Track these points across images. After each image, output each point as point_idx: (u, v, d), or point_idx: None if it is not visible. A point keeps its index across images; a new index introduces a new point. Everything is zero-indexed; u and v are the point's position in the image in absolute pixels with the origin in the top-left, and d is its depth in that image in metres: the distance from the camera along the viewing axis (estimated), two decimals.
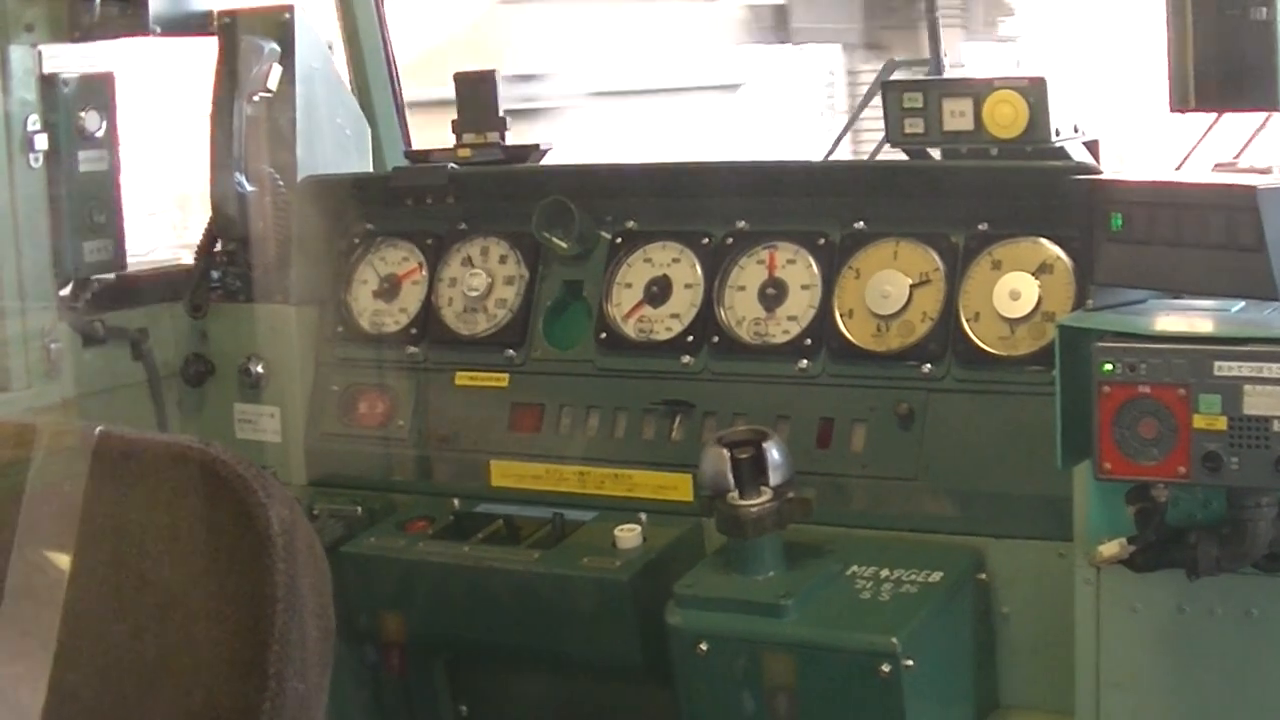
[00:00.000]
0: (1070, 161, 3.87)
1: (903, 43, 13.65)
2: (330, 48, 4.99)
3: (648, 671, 3.92)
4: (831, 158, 4.58)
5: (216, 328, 4.78)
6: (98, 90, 4.66)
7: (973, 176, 3.99)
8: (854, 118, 4.62)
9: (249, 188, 4.61)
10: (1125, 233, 3.40)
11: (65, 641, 2.22)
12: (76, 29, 4.51)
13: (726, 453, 3.71)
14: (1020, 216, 3.93)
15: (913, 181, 4.12)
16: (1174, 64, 3.29)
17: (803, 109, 15.27)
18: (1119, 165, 4.08)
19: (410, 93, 5.38)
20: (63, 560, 2.26)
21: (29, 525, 2.29)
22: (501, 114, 4.62)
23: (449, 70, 4.63)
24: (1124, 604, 3.46)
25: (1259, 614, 3.36)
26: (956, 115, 3.94)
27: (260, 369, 4.70)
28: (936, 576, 3.72)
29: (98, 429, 2.35)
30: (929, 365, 3.95)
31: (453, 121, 4.65)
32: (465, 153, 4.60)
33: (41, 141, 4.48)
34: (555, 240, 4.38)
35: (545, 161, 4.66)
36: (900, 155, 4.13)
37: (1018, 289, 3.89)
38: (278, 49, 4.63)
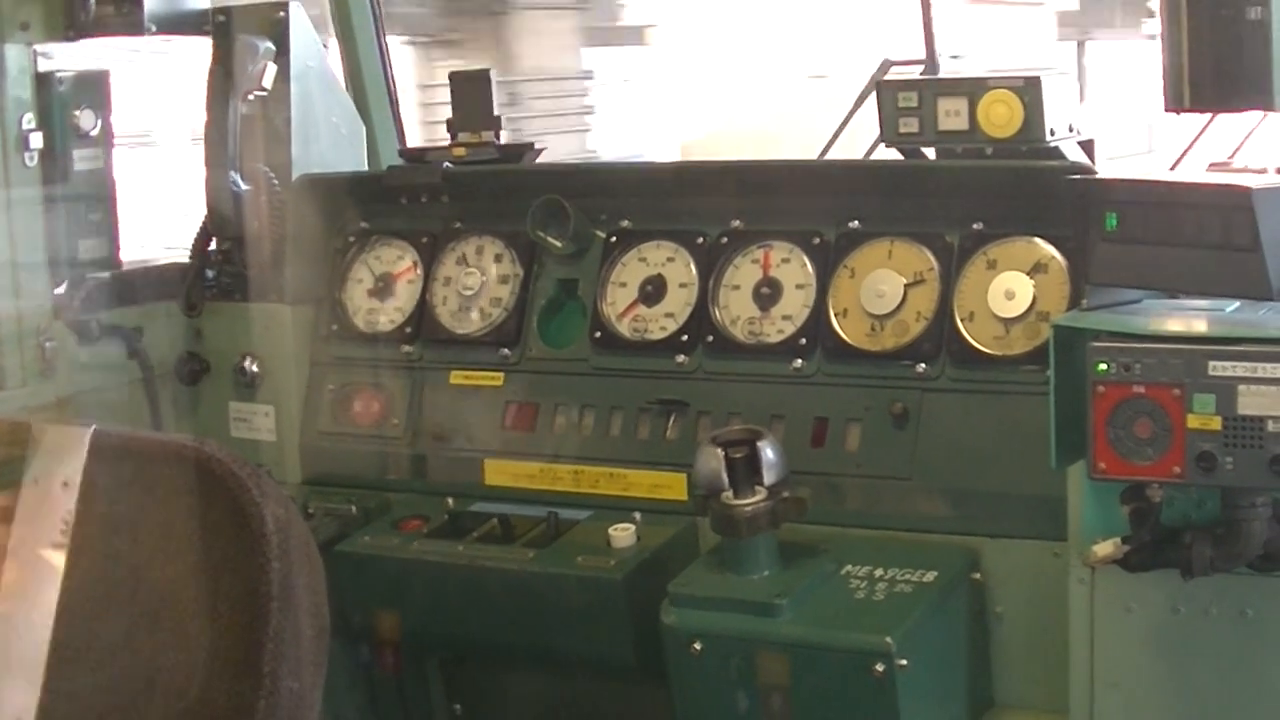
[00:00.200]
0: (1065, 161, 3.88)
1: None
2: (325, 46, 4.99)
3: (642, 671, 3.92)
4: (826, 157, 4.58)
5: (211, 326, 4.78)
6: (93, 89, 4.67)
7: (967, 176, 3.99)
8: (849, 116, 4.62)
9: (244, 186, 4.62)
10: (1120, 232, 3.40)
11: (60, 639, 2.22)
12: (72, 27, 4.51)
13: (721, 452, 3.71)
14: (1015, 216, 3.94)
15: (907, 181, 4.12)
16: (1169, 64, 3.29)
17: None
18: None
19: None
20: (58, 558, 2.26)
21: (24, 523, 2.29)
22: (496, 113, 4.63)
23: None
24: (1118, 604, 3.47)
25: (1253, 614, 3.36)
26: (951, 115, 3.95)
27: (255, 367, 4.70)
28: (931, 576, 3.72)
29: (92, 427, 2.35)
30: (924, 365, 3.95)
31: (447, 120, 4.65)
32: (460, 152, 4.61)
33: (37, 140, 4.49)
34: (550, 239, 4.38)
35: (539, 161, 4.66)
36: (895, 155, 4.14)
37: (1012, 289, 3.89)
38: (272, 47, 4.63)
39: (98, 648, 2.24)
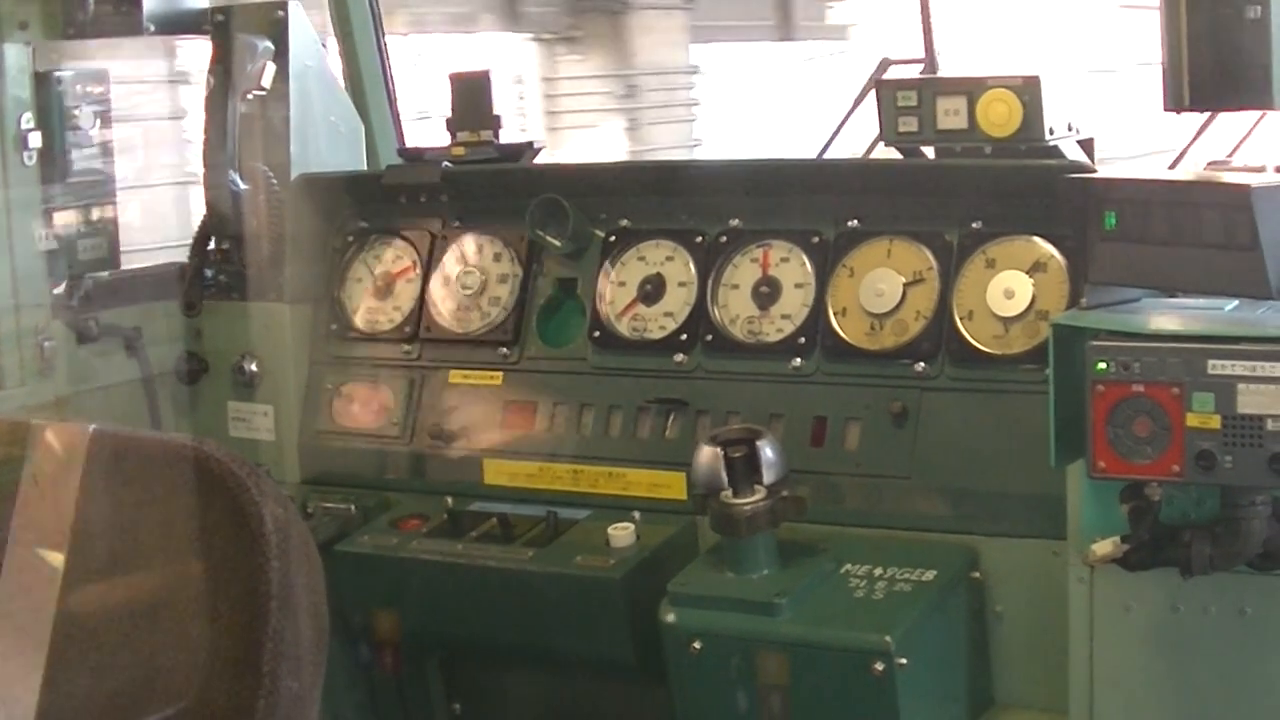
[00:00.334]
0: (1064, 160, 3.88)
1: None
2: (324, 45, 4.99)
3: (641, 670, 3.92)
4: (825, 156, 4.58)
5: (210, 326, 4.78)
6: (92, 88, 4.66)
7: (966, 175, 3.99)
8: (848, 115, 4.62)
9: (243, 186, 4.62)
10: (1119, 231, 3.40)
11: (60, 639, 2.22)
12: (71, 27, 4.51)
13: (720, 451, 3.71)
14: (1014, 215, 3.93)
15: (907, 180, 4.12)
16: (1169, 63, 3.29)
17: None
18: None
19: None
20: (57, 559, 2.26)
21: (23, 524, 2.28)
22: (495, 112, 4.63)
23: None
24: (1117, 603, 3.47)
25: (1252, 612, 3.36)
26: (950, 114, 3.95)
27: (254, 367, 4.70)
28: (930, 575, 3.72)
29: (91, 427, 2.35)
30: (923, 364, 3.95)
31: (446, 120, 4.65)
32: (459, 151, 4.61)
33: (36, 139, 4.48)
34: (549, 238, 4.38)
35: (538, 160, 4.66)
36: (894, 154, 4.13)
37: (1011, 287, 3.89)
38: (271, 47, 4.63)
39: (97, 648, 2.24)
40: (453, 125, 4.64)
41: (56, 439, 2.39)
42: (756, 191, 4.28)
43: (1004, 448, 3.81)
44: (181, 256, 4.81)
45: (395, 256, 4.66)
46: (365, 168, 5.06)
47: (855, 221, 4.13)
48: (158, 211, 7.17)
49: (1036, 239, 3.91)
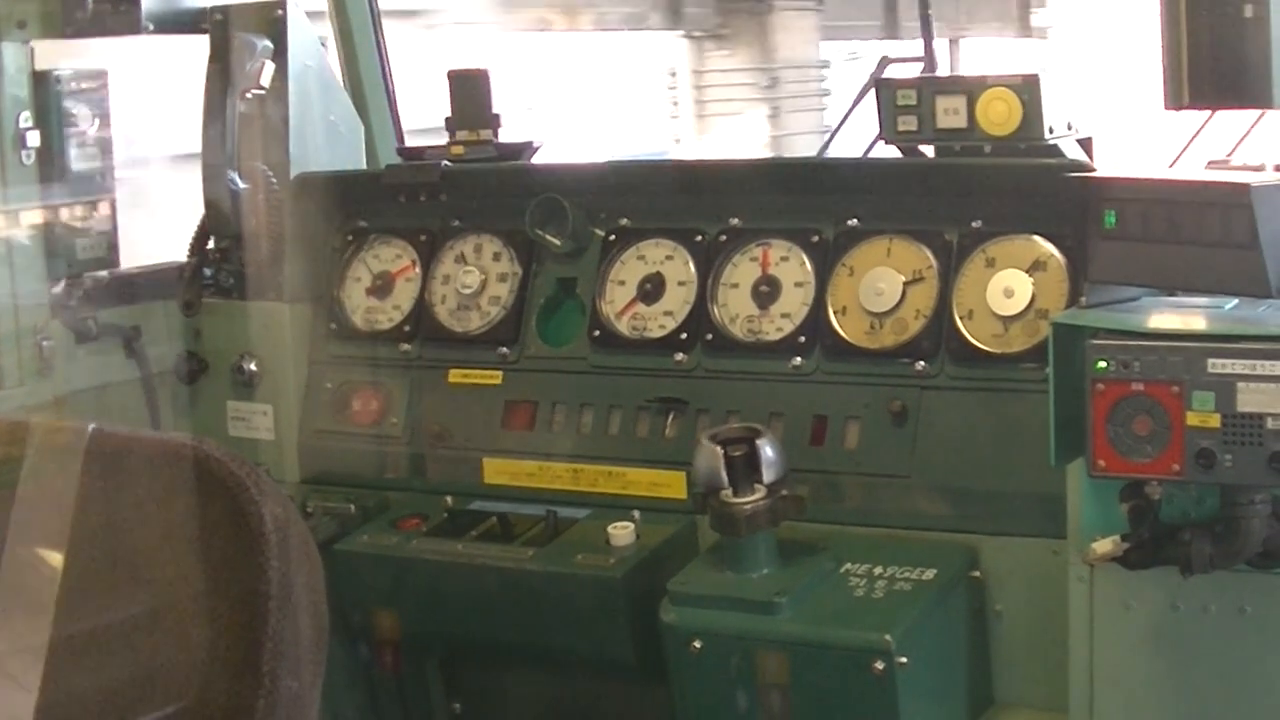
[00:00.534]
0: (1064, 159, 3.88)
1: None
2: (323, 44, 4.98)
3: (641, 669, 3.92)
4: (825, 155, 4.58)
5: (209, 325, 4.78)
6: (91, 87, 4.66)
7: (966, 174, 3.99)
8: (848, 114, 4.62)
9: (242, 185, 4.62)
10: (1119, 230, 3.40)
11: (59, 639, 2.22)
12: (70, 26, 4.51)
13: (720, 450, 3.70)
14: (1014, 214, 3.93)
15: (906, 179, 4.12)
16: (1168, 62, 3.29)
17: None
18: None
19: None
20: (56, 558, 2.25)
21: (22, 523, 2.28)
22: (494, 111, 4.63)
23: None
24: (1117, 601, 3.47)
25: (1252, 611, 3.36)
26: (950, 113, 3.95)
27: (253, 366, 4.69)
28: (930, 574, 3.72)
29: (90, 427, 2.35)
30: (922, 363, 3.95)
31: (445, 119, 4.65)
32: (458, 150, 4.61)
33: (34, 138, 4.48)
34: (548, 237, 4.38)
35: (537, 159, 4.66)
36: (894, 153, 4.13)
37: (1011, 286, 3.89)
38: (270, 46, 4.63)
39: (95, 647, 2.24)
40: (452, 124, 4.64)
41: (55, 439, 2.39)
42: (756, 190, 4.28)
43: (1004, 447, 3.81)
44: None
45: (394, 256, 4.66)
46: (365, 167, 5.06)
47: (855, 220, 4.12)
48: None
49: (1036, 238, 3.91)
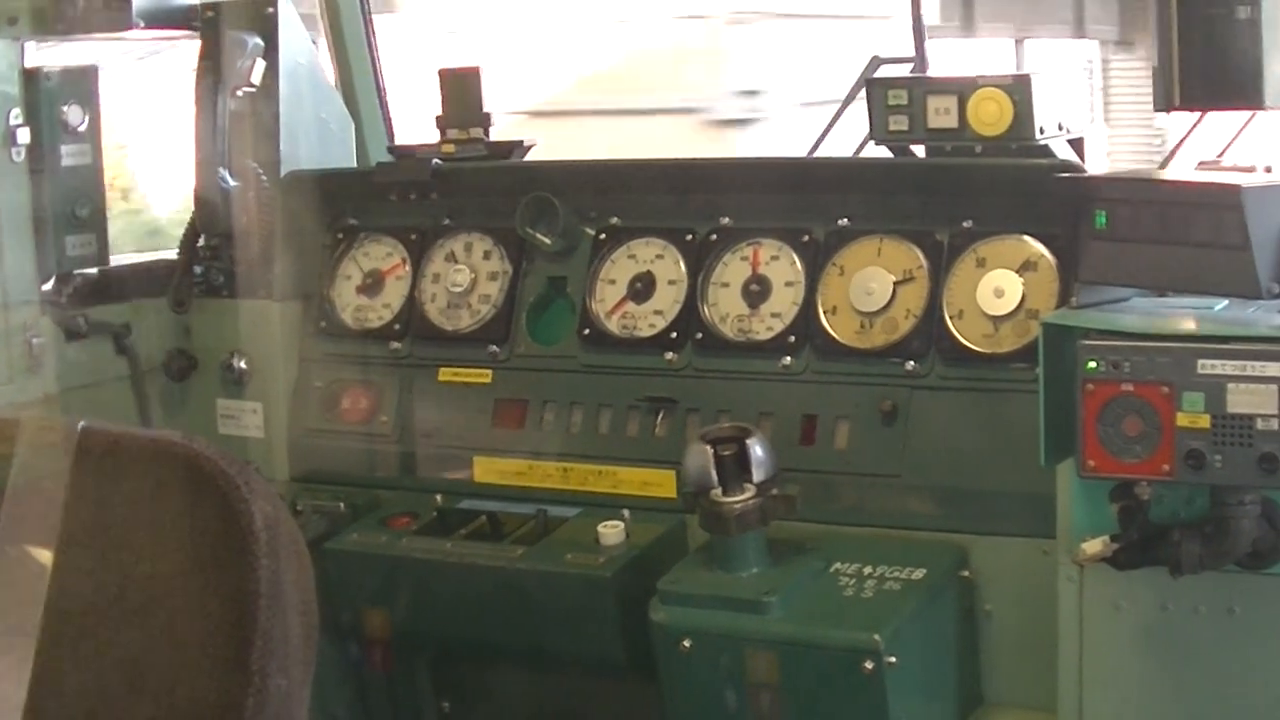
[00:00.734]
0: (1054, 159, 3.88)
1: None
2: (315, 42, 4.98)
3: (631, 668, 3.92)
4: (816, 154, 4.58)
5: (200, 323, 4.78)
6: (80, 84, 4.66)
7: (957, 174, 3.99)
8: (838, 114, 4.61)
9: (232, 183, 4.60)
10: (1110, 230, 3.41)
11: (48, 637, 2.21)
12: (60, 23, 4.50)
13: (710, 449, 3.71)
14: (1004, 214, 3.93)
15: (897, 179, 4.12)
16: (1159, 62, 3.30)
17: None
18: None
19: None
20: (45, 556, 2.25)
21: (10, 521, 2.28)
22: (485, 110, 4.62)
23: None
24: (1107, 602, 3.47)
25: (1241, 612, 3.37)
26: (941, 113, 3.95)
27: (243, 364, 4.69)
28: (920, 574, 3.72)
29: (80, 424, 2.34)
30: (913, 362, 3.95)
31: (436, 117, 4.65)
32: (449, 148, 4.60)
33: (24, 135, 4.47)
34: (539, 236, 4.38)
35: (528, 158, 4.66)
36: (884, 152, 4.13)
37: (1002, 286, 3.89)
38: (261, 43, 4.62)
39: (85, 645, 2.24)
40: (443, 123, 4.63)
41: (45, 436, 2.39)
42: (747, 190, 4.28)
43: (994, 447, 3.81)
44: None
45: (385, 254, 4.66)
46: (355, 165, 5.05)
47: (845, 220, 4.12)
48: None
49: (1027, 238, 3.91)
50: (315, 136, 4.82)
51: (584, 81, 11.91)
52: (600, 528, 3.99)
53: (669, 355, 4.22)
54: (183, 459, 2.22)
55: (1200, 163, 3.81)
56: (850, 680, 3.50)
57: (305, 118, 4.77)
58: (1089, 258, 3.46)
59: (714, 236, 4.26)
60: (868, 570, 3.75)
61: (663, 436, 4.18)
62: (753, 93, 12.06)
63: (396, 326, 4.57)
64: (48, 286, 4.60)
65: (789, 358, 4.09)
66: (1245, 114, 3.75)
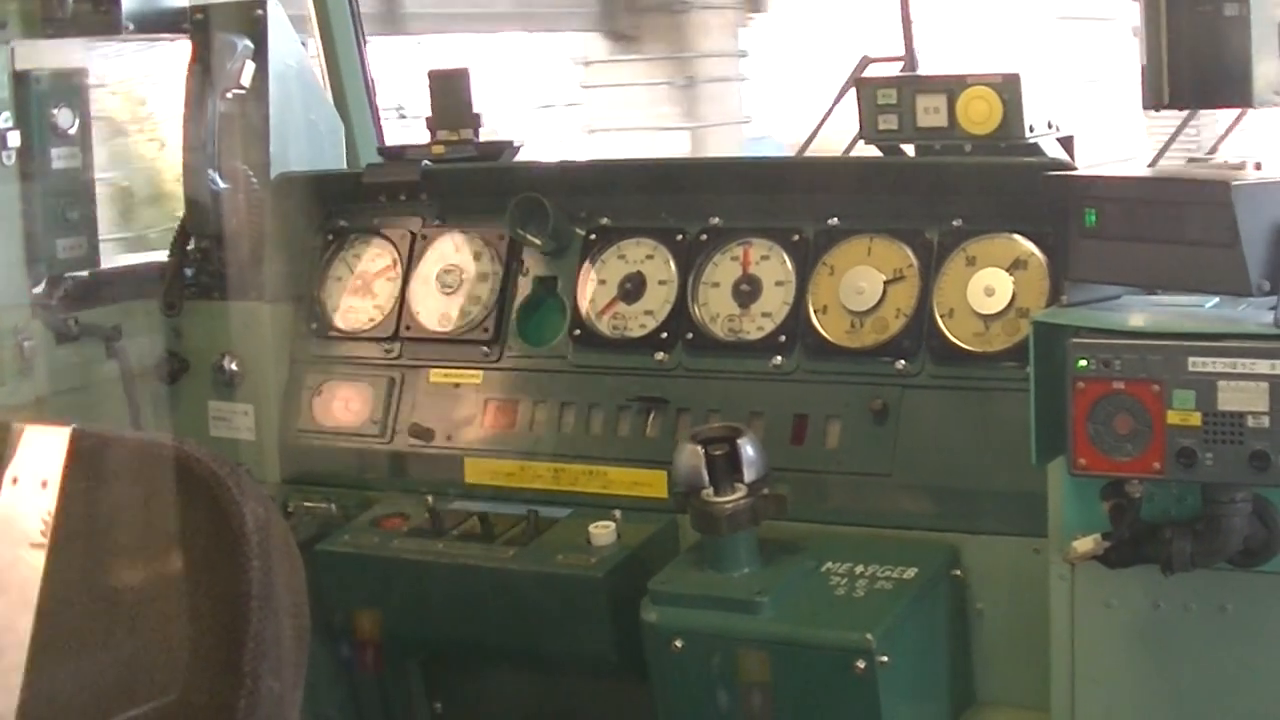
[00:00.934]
0: (1044, 158, 3.88)
1: None
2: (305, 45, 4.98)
3: (623, 668, 3.92)
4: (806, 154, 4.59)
5: (190, 325, 4.77)
6: (70, 87, 4.65)
7: (947, 173, 3.99)
8: (828, 113, 4.62)
9: (223, 185, 4.60)
10: (1099, 229, 3.41)
11: (40, 639, 2.21)
12: (50, 26, 4.49)
13: (701, 449, 3.71)
14: (994, 213, 3.94)
15: (887, 178, 4.12)
16: (1148, 61, 3.30)
17: None
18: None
19: None
20: (37, 558, 2.25)
21: (3, 523, 2.28)
22: (475, 110, 4.62)
23: None
24: (1098, 600, 3.47)
25: (1233, 609, 3.37)
26: (930, 112, 3.95)
27: (234, 366, 4.69)
28: (911, 573, 3.72)
29: (72, 426, 2.35)
30: (903, 361, 3.95)
31: (427, 118, 4.64)
32: (439, 149, 4.60)
33: (14, 139, 4.47)
34: (529, 237, 4.38)
35: (518, 159, 4.66)
36: (874, 152, 4.14)
37: (992, 285, 3.90)
38: (251, 46, 4.62)
39: (78, 647, 2.24)
40: (432, 124, 4.63)
41: (37, 439, 2.39)
42: (737, 189, 4.28)
43: (985, 445, 3.81)
44: None
45: (375, 255, 4.66)
46: (345, 167, 5.05)
47: (835, 219, 4.13)
48: None
49: (1017, 236, 3.91)
50: (305, 138, 4.82)
51: None
52: (591, 528, 3.98)
53: (660, 355, 4.22)
54: (174, 461, 2.22)
55: (1190, 160, 3.81)
56: (842, 680, 3.50)
57: (295, 119, 4.77)
58: (1079, 256, 3.46)
59: (704, 236, 4.26)
60: (859, 570, 3.75)
61: (654, 436, 4.18)
62: None
63: (387, 328, 4.57)
64: (38, 289, 4.59)
65: (779, 357, 4.09)
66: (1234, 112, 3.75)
